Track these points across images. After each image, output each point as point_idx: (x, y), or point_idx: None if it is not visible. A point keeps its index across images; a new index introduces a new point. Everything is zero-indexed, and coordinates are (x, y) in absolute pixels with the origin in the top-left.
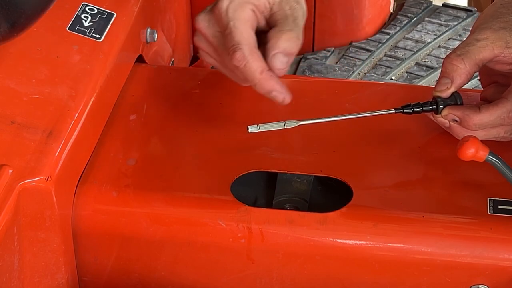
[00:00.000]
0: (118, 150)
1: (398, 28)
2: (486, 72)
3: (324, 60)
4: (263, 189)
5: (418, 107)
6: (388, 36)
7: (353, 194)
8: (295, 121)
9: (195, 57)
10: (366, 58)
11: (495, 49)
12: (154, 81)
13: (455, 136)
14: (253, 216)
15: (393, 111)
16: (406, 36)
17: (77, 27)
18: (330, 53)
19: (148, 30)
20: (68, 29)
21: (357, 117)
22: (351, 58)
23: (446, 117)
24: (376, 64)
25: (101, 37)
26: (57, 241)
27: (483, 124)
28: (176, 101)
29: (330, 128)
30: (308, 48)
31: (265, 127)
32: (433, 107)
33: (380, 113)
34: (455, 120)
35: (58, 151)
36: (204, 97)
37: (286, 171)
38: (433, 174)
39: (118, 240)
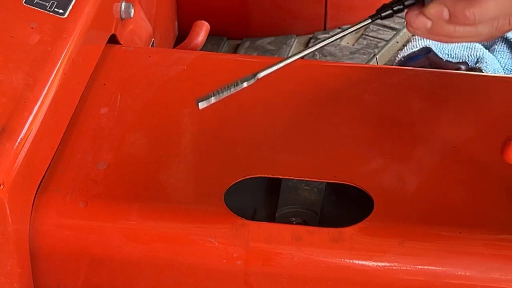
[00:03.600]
0: (86, 151)
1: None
2: None
3: (338, 40)
4: (263, 199)
5: (399, 3)
6: None
7: (374, 205)
8: (250, 76)
9: (180, 37)
10: (391, 38)
11: None
12: (130, 66)
13: (437, 40)
14: (251, 232)
15: (369, 20)
16: None
17: (36, 0)
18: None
19: (123, 4)
20: (25, 3)
21: (328, 43)
22: (371, 38)
23: (431, 14)
24: (403, 45)
25: (65, 13)
26: (11, 263)
27: (479, 18)
28: (157, 90)
29: (345, 123)
30: (319, 25)
31: (217, 96)
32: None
33: (352, 28)
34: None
35: (12, 152)
36: (191, 85)
37: (291, 177)
38: (472, 181)
39: (86, 261)
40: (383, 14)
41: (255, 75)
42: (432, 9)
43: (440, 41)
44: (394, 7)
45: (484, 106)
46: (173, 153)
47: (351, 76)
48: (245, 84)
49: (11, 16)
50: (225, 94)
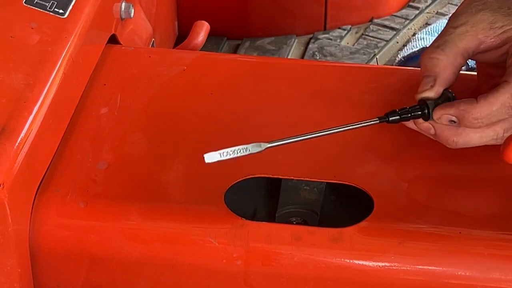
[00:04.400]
0: (86, 151)
1: (429, 1)
2: (484, 79)
3: (338, 40)
4: (263, 199)
5: (406, 114)
6: (417, 11)
7: (374, 205)
8: (259, 144)
9: (180, 37)
10: (391, 38)
11: (478, 33)
12: (130, 66)
13: (445, 143)
14: (251, 232)
15: (377, 121)
16: (439, 11)
17: (36, 0)
18: (346, 32)
19: (123, 4)
20: (25, 3)
21: (332, 133)
22: (371, 38)
23: (440, 120)
24: (403, 45)
25: (65, 13)
26: (11, 263)
27: (485, 117)
28: (157, 90)
29: (345, 123)
30: (319, 25)
31: (224, 155)
32: (424, 111)
33: (360, 125)
34: (452, 121)
35: (12, 152)
36: (191, 85)
37: (291, 177)
38: (472, 180)
39: (86, 261)
40: (390, 119)
41: (265, 144)
42: (423, 125)
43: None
44: (403, 115)
45: None
46: (173, 153)
47: (351, 76)
48: (254, 151)
49: (11, 16)
50: (232, 156)
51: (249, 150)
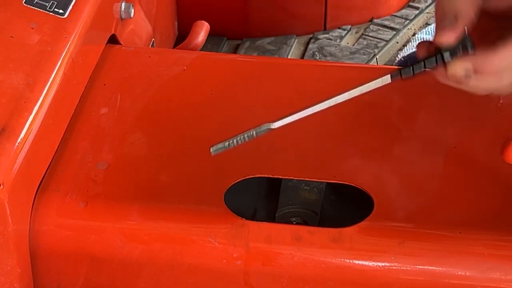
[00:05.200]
0: (86, 151)
1: (429, 1)
2: (479, 36)
3: (338, 40)
4: (263, 199)
5: (420, 66)
6: (417, 11)
7: (374, 205)
8: (266, 125)
9: (180, 37)
10: (391, 38)
11: None
12: (130, 66)
13: (471, 90)
14: (251, 232)
15: (389, 79)
16: None
17: (36, 0)
18: (346, 32)
19: (123, 4)
20: (25, 3)
21: (339, 101)
22: (371, 39)
23: (456, 74)
24: (403, 45)
25: (65, 13)
26: (11, 263)
27: (505, 65)
28: (157, 90)
29: (345, 123)
30: (319, 26)
31: (230, 145)
32: (439, 61)
33: (370, 87)
34: (467, 76)
35: (12, 152)
36: (191, 85)
37: (291, 177)
38: (472, 181)
39: (86, 261)
40: (403, 75)
41: (269, 125)
42: (450, 74)
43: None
44: (416, 68)
45: (484, 106)
46: (173, 153)
47: (351, 76)
48: (260, 134)
49: (11, 16)
50: (239, 143)
51: (255, 134)
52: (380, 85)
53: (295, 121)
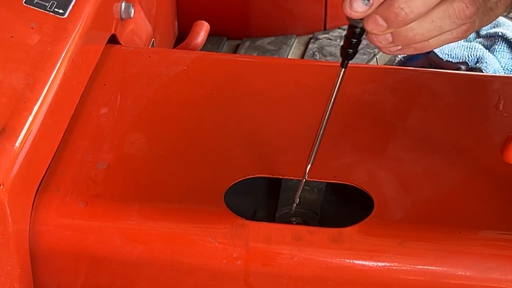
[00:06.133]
0: (86, 151)
1: None
2: None
3: (338, 40)
4: (263, 199)
5: (350, 45)
6: None
7: (375, 205)
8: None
9: (180, 37)
10: None
11: None
12: (130, 66)
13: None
14: (251, 232)
15: (343, 71)
16: None
17: (36, 0)
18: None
19: (123, 4)
20: (25, 3)
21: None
22: None
23: (372, 30)
24: None
25: (65, 13)
26: (11, 263)
27: (415, 8)
28: (157, 90)
29: (345, 123)
30: (319, 25)
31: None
32: (356, 29)
33: (339, 82)
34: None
35: (12, 152)
36: (191, 85)
37: (291, 177)
38: (472, 180)
39: (86, 261)
40: (348, 62)
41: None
42: (368, 25)
43: (414, 51)
44: (349, 49)
45: (484, 106)
46: (173, 153)
47: (351, 76)
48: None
49: (11, 16)
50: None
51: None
52: (341, 76)
53: (295, 121)
